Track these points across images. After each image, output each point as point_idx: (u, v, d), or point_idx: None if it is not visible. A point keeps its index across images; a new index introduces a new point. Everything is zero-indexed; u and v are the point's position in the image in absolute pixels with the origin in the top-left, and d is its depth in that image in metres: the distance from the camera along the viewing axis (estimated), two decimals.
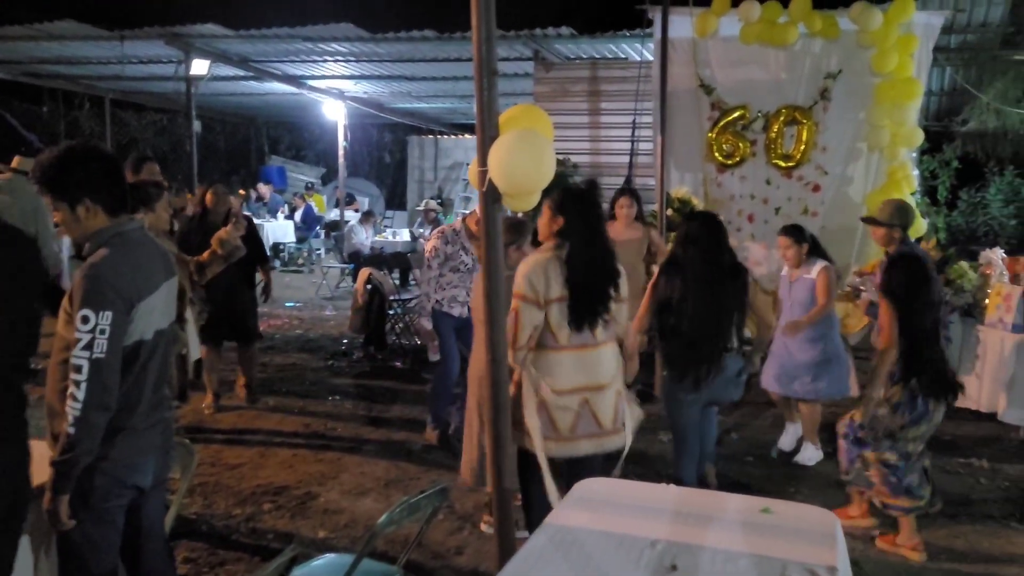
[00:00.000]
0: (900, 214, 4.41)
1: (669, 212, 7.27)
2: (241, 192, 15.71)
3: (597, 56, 10.08)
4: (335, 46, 10.77)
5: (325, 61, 11.90)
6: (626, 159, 9.03)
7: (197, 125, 11.61)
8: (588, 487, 2.69)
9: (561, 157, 9.18)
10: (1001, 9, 8.67)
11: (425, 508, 2.66)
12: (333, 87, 14.39)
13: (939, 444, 5.95)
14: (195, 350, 4.77)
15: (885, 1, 7.57)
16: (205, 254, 4.75)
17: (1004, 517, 4.70)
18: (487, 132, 2.79)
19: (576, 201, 3.34)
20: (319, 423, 6.21)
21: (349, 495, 4.80)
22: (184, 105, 11.55)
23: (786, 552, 2.24)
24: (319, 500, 4.72)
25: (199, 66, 10.88)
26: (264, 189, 17.66)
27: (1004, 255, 6.74)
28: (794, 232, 5.36)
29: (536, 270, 3.24)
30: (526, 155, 2.68)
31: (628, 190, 6.73)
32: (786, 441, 5.71)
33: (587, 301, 3.28)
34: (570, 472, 3.30)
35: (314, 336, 9.52)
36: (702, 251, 4.04)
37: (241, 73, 12.44)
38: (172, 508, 3.07)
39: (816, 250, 5.40)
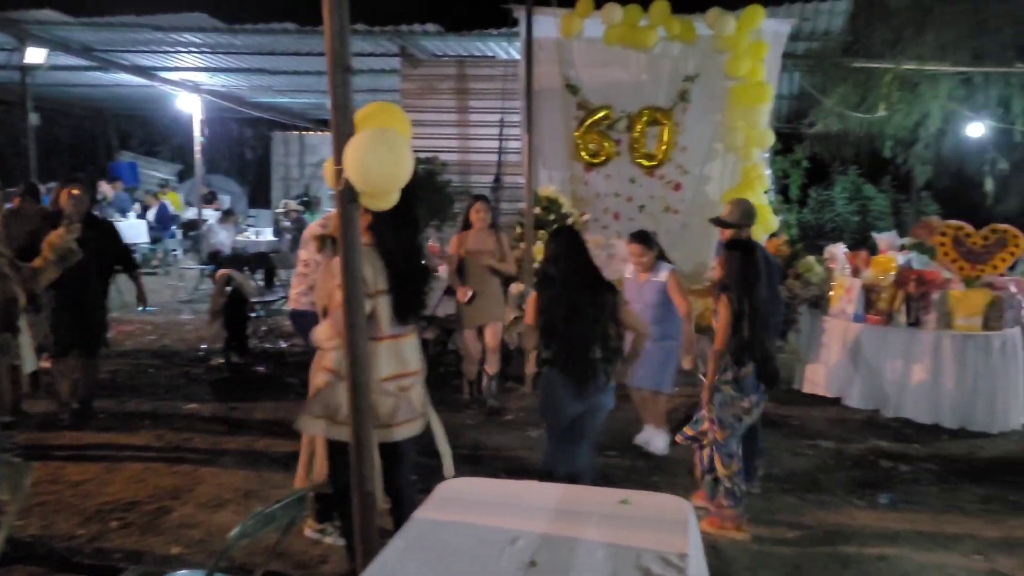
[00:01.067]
0: (746, 215, 4.69)
1: (537, 210, 7.40)
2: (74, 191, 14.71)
3: (465, 54, 10.12)
4: (188, 36, 10.30)
5: (178, 52, 11.36)
6: (495, 157, 9.12)
7: (34, 118, 10.80)
8: (451, 487, 2.71)
9: (430, 155, 9.19)
10: (841, 19, 9.33)
11: (282, 518, 2.59)
12: (187, 79, 13.76)
13: (789, 428, 6.38)
14: (29, 362, 4.45)
15: (738, 8, 7.99)
16: (37, 260, 4.43)
17: (847, 494, 5.06)
18: (342, 130, 2.74)
19: None
20: (173, 434, 5.92)
21: (206, 508, 4.61)
22: (20, 96, 10.75)
23: (641, 541, 2.32)
24: (172, 515, 4.51)
25: (35, 55, 10.12)
26: (107, 187, 16.58)
27: (846, 250, 7.26)
28: (645, 240, 5.57)
29: (364, 263, 3.27)
30: (383, 153, 2.66)
31: (482, 196, 6.77)
32: (642, 438, 5.88)
33: (409, 293, 3.42)
34: (385, 457, 3.42)
35: (170, 342, 9.08)
36: (565, 267, 4.12)
37: (84, 63, 11.69)
38: (2, 531, 2.85)
39: (663, 256, 5.67)
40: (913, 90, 10.96)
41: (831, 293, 6.94)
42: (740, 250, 4.34)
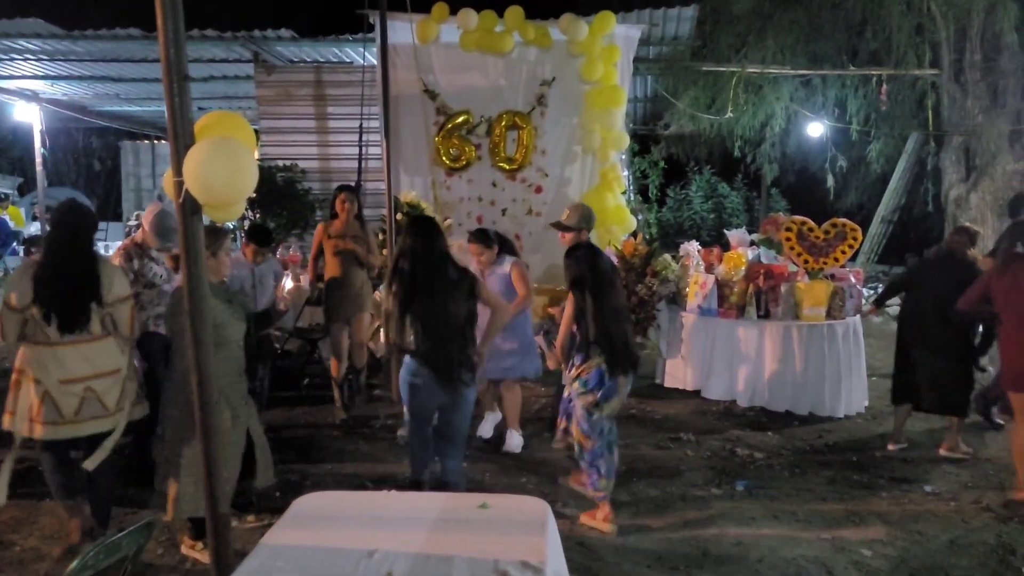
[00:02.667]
0: (584, 218, 4.92)
1: (399, 216, 7.38)
2: None
3: (321, 59, 9.97)
4: (23, 43, 9.64)
5: (12, 59, 10.62)
6: (356, 164, 9.03)
7: None
8: (306, 503, 2.67)
9: (289, 163, 9.00)
10: (689, 25, 9.82)
11: (128, 547, 2.48)
12: (25, 88, 12.86)
13: (651, 422, 6.64)
14: None
15: (590, 14, 8.27)
16: None
17: (706, 484, 5.32)
18: (181, 140, 2.66)
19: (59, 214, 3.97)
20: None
21: (50, 540, 4.34)
22: None
23: (499, 546, 2.37)
24: (14, 549, 4.22)
25: None
26: None
27: (699, 247, 7.64)
28: (482, 238, 5.69)
29: (16, 278, 3.84)
30: (224, 164, 2.60)
31: (347, 187, 6.78)
32: (486, 428, 6.05)
33: (60, 306, 3.80)
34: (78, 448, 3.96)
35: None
36: (420, 255, 4.15)
37: None
38: None
39: (504, 247, 5.80)
40: (758, 92, 11.68)
41: (687, 289, 7.28)
42: (582, 250, 4.49)
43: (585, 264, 4.40)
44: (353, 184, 8.68)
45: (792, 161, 14.79)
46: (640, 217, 11.98)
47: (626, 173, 9.90)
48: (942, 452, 5.92)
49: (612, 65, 8.32)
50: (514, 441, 5.84)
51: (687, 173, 18.26)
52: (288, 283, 4.99)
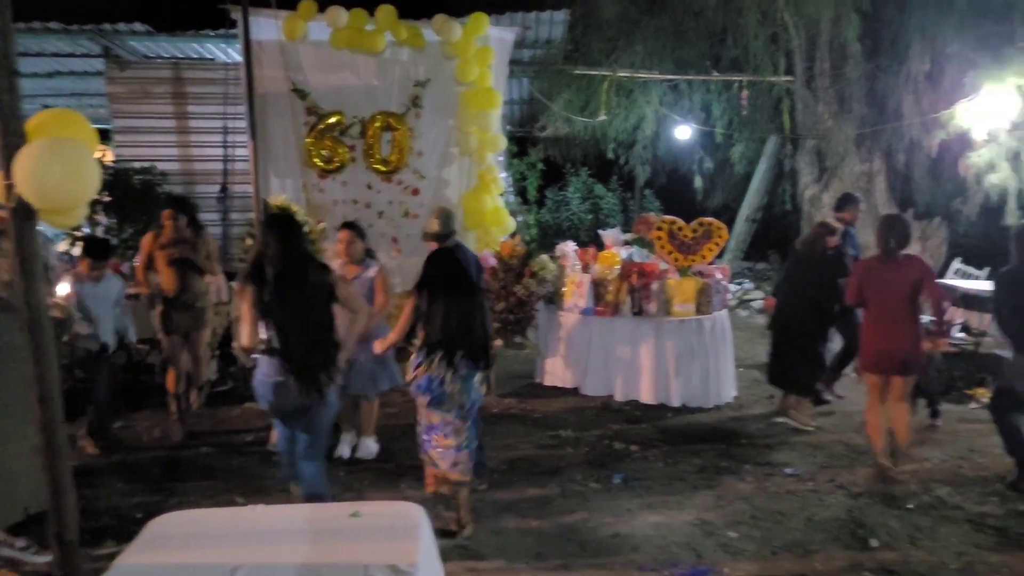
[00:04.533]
0: (448, 222, 5.01)
1: None
2: None
3: (180, 56, 9.52)
4: None
5: None
6: (220, 165, 8.69)
7: None
8: (161, 524, 2.54)
9: (146, 164, 8.55)
10: (561, 29, 9.98)
11: None
12: None
13: (531, 421, 6.71)
14: None
15: (464, 15, 8.26)
16: None
17: (584, 479, 5.42)
18: (11, 140, 2.47)
19: None
20: None
21: None
22: None
23: (370, 554, 2.32)
24: None
25: None
26: None
27: (576, 247, 7.77)
28: (355, 228, 5.63)
29: None
30: (59, 166, 2.43)
31: (171, 201, 6.42)
32: (344, 449, 5.82)
33: None
34: None
35: None
36: (275, 257, 4.03)
37: None
38: None
39: (371, 253, 5.74)
40: (629, 96, 12.01)
41: (564, 289, 7.40)
42: (436, 253, 4.51)
43: (433, 266, 4.39)
44: (219, 189, 8.37)
45: (663, 163, 15.27)
46: (520, 219, 12.09)
47: (504, 175, 9.95)
48: (785, 420, 6.57)
49: (487, 67, 8.34)
50: (369, 448, 5.77)
51: (565, 175, 18.55)
52: (64, 288, 4.74)
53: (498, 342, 7.28)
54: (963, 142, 10.07)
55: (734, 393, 7.45)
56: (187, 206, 6.24)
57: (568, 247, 7.67)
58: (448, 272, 4.35)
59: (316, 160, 8.22)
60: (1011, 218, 9.71)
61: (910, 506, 4.92)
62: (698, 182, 14.22)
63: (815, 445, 6.11)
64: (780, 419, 6.61)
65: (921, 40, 10.41)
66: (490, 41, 8.41)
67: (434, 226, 5.06)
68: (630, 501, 5.02)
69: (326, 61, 8.15)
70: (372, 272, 5.57)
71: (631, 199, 18.19)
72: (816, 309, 6.34)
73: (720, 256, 9.13)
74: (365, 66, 8.25)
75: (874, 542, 4.40)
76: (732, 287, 13.71)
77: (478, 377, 4.37)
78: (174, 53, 9.55)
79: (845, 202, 7.30)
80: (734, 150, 13.47)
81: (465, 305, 4.30)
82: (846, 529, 4.58)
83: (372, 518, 2.59)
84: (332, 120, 8.20)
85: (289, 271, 4.02)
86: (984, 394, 7.22)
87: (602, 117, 11.71)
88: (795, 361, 6.50)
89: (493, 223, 8.15)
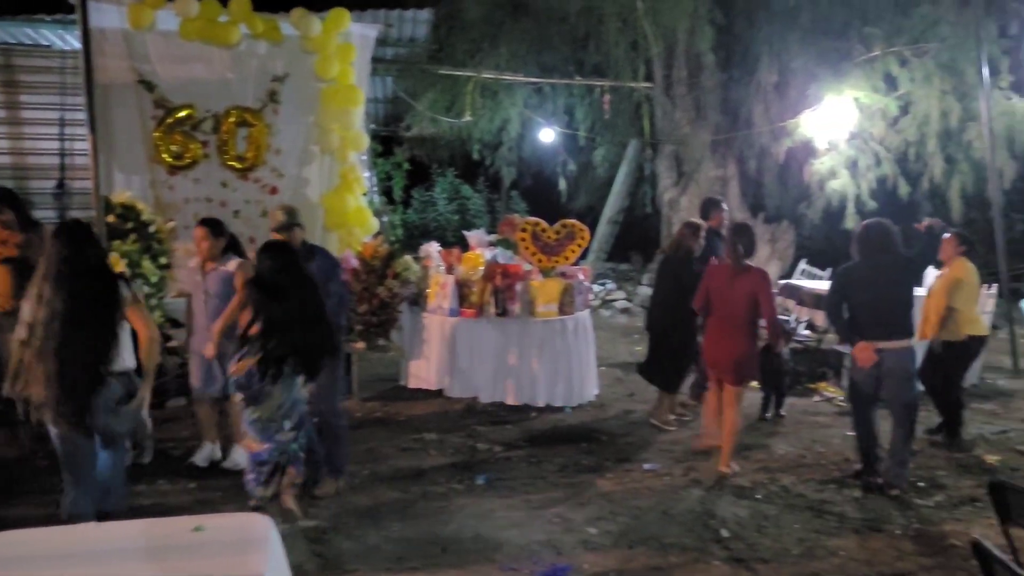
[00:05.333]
0: (292, 215, 5.02)
1: (111, 219, 6.75)
2: None
3: (12, 41, 8.84)
4: None
5: None
6: (56, 160, 8.13)
7: None
8: None
9: None
10: (424, 28, 9.98)
11: None
12: None
13: (395, 424, 6.66)
14: None
15: (323, 10, 8.09)
16: None
17: (447, 481, 5.43)
18: None
19: None
20: None
21: None
22: None
23: (215, 568, 2.24)
24: None
25: None
26: None
27: (440, 248, 7.77)
28: (212, 225, 5.49)
29: None
30: None
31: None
32: (202, 457, 5.60)
33: None
34: None
35: None
36: (57, 263, 3.76)
37: None
38: None
39: (235, 249, 5.61)
40: (494, 97, 12.13)
41: (428, 290, 7.38)
42: (271, 251, 4.41)
43: (268, 263, 4.29)
44: (56, 184, 7.83)
45: (529, 164, 15.54)
46: (385, 219, 11.97)
47: (368, 174, 9.83)
48: (652, 421, 6.72)
49: (348, 64, 8.20)
50: (238, 458, 5.47)
51: (431, 175, 18.56)
52: None
53: (361, 344, 7.18)
54: (807, 150, 10.79)
55: (596, 392, 7.65)
56: (13, 199, 5.75)
57: (432, 248, 7.66)
58: (283, 268, 4.26)
59: (165, 156, 7.83)
60: (850, 222, 10.46)
61: (758, 496, 5.20)
62: (562, 184, 14.54)
63: (673, 441, 6.37)
64: (653, 421, 6.73)
65: (769, 53, 11.06)
66: (352, 37, 8.28)
67: (278, 216, 4.98)
68: (493, 502, 5.07)
69: (176, 52, 7.77)
70: (231, 266, 5.38)
71: (498, 200, 18.41)
72: (681, 309, 6.50)
73: (583, 257, 9.38)
74: (219, 59, 7.93)
75: (724, 532, 4.62)
76: (595, 287, 14.12)
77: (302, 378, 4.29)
78: (5, 39, 8.86)
79: (709, 207, 7.59)
80: (596, 153, 13.87)
81: (295, 303, 4.19)
82: (699, 521, 4.79)
83: (216, 532, 2.49)
84: (183, 114, 7.84)
85: (71, 281, 3.73)
86: (826, 388, 7.75)
87: (467, 118, 11.78)
88: (663, 359, 6.74)
89: (356, 223, 8.03)
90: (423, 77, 11.65)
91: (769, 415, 6.93)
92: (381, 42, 9.16)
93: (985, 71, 8.93)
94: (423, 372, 7.43)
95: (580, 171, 14.95)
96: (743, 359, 5.52)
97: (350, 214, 8.06)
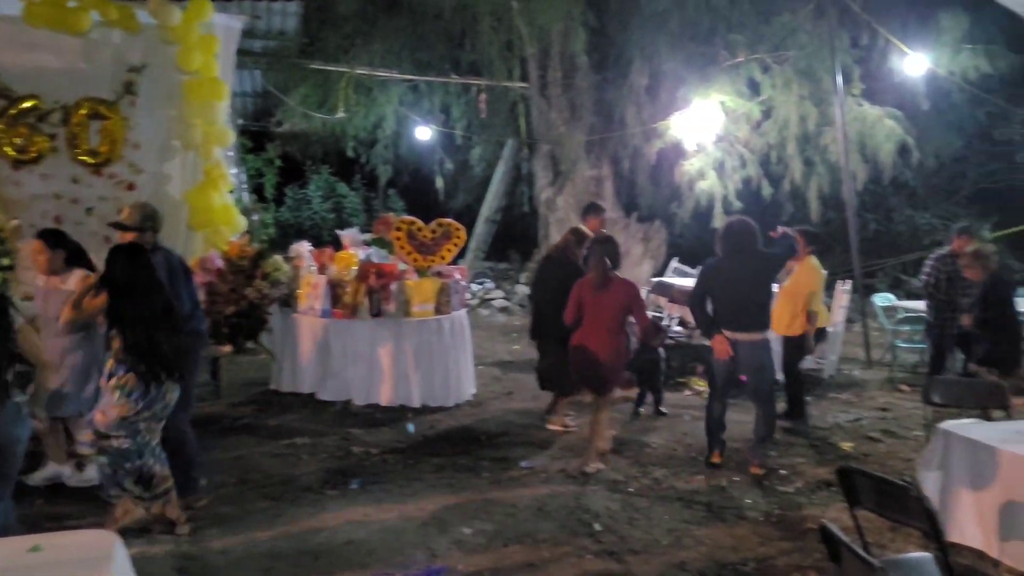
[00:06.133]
0: (147, 218, 4.80)
1: None
2: None
3: None
4: None
5: None
6: None
7: None
8: None
9: None
10: (294, 21, 9.73)
11: None
12: None
13: (266, 430, 6.47)
14: None
15: None
16: None
17: (320, 487, 5.31)
18: None
19: None
20: None
21: None
22: None
23: None
24: None
25: None
26: None
27: (311, 247, 7.59)
28: (49, 236, 5.11)
29: None
30: None
31: None
32: (39, 477, 5.22)
33: None
34: None
35: None
36: None
37: None
38: None
39: (79, 260, 5.18)
40: (368, 94, 11.97)
41: (299, 291, 7.20)
42: (121, 251, 4.27)
43: (117, 264, 4.15)
44: None
45: (406, 162, 15.43)
46: (255, 217, 11.62)
47: (236, 171, 9.49)
48: (548, 426, 6.71)
49: (212, 56, 7.87)
50: (90, 474, 5.14)
51: (305, 172, 18.14)
52: None
53: (228, 348, 6.94)
54: (678, 151, 11.18)
55: (473, 391, 7.67)
56: None
57: (303, 247, 7.48)
58: (133, 270, 4.10)
59: (7, 149, 7.28)
60: (718, 221, 10.90)
61: (630, 490, 5.35)
62: (439, 183, 14.51)
63: (550, 438, 6.46)
64: (550, 427, 6.71)
65: (641, 56, 11.39)
66: (215, 28, 7.95)
67: (133, 218, 4.74)
68: (367, 506, 4.99)
69: (20, 39, 7.24)
70: (71, 284, 4.99)
71: (375, 198, 18.18)
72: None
73: (461, 256, 9.40)
74: (69, 47, 7.44)
75: (597, 526, 4.72)
76: (473, 287, 14.18)
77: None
78: None
79: (588, 211, 7.76)
80: (473, 152, 13.93)
81: (152, 308, 4.05)
82: (573, 516, 4.88)
83: (56, 551, 2.33)
84: (27, 105, 7.31)
85: None
86: (696, 382, 8.05)
87: (341, 114, 11.57)
88: (557, 364, 6.72)
89: (222, 222, 7.72)
90: (294, 71, 11.36)
91: (643, 410, 7.12)
92: (248, 34, 8.87)
93: (839, 79, 9.50)
94: (294, 375, 7.23)
95: (458, 170, 14.98)
96: (612, 369, 5.69)
97: (215, 212, 7.73)
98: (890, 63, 10.31)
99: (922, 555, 3.27)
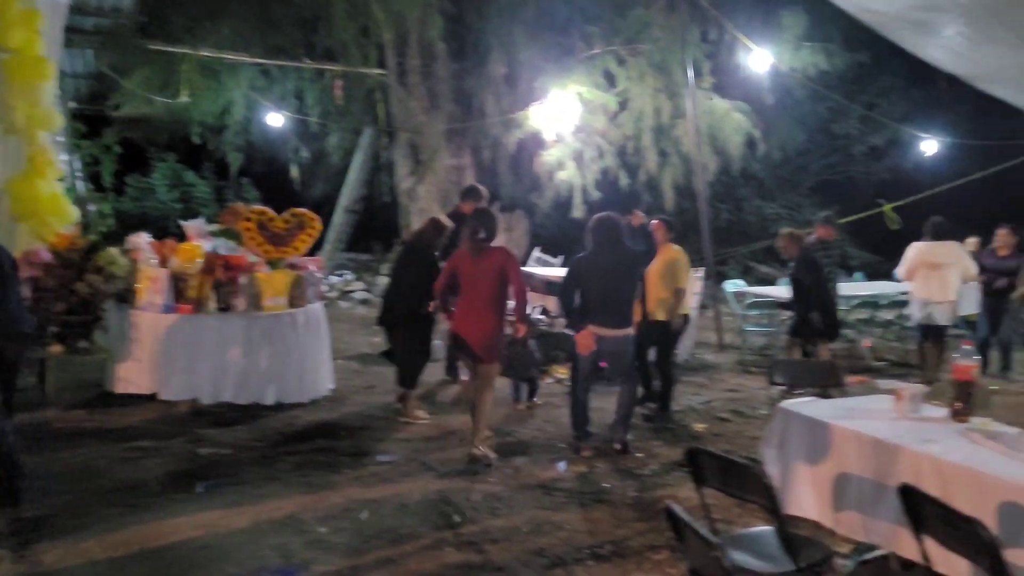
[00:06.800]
0: None
1: None
2: None
3: None
4: None
5: None
6: None
7: None
8: None
9: None
10: None
11: None
12: None
13: (106, 434, 6.09)
14: None
15: None
16: None
17: (167, 492, 5.03)
18: None
19: None
20: None
21: None
22: None
23: None
24: None
25: None
26: None
27: (150, 239, 7.20)
28: None
29: None
30: None
31: None
32: None
33: None
34: None
35: None
36: None
37: None
38: None
39: None
40: (216, 78, 11.45)
41: (138, 285, 6.82)
42: None
43: None
44: None
45: (260, 150, 14.90)
46: (92, 207, 10.92)
47: (67, 158, 8.87)
48: (401, 419, 6.66)
49: (34, 32, 7.29)
50: None
51: (149, 160, 17.19)
52: None
53: (58, 348, 6.48)
54: (537, 141, 11.35)
55: (331, 386, 7.52)
56: None
57: (141, 239, 7.07)
58: None
59: None
60: (578, 211, 11.18)
61: (492, 479, 5.39)
62: (294, 171, 14.12)
63: (411, 430, 6.42)
64: (403, 419, 6.68)
65: (499, 46, 11.49)
66: (38, 3, 7.39)
67: None
68: (220, 509, 4.79)
69: None
70: None
71: (227, 188, 17.45)
72: (421, 302, 6.57)
73: (318, 247, 9.17)
74: None
75: (457, 518, 4.73)
76: (333, 279, 13.90)
77: None
78: None
79: (467, 194, 7.89)
80: (329, 140, 13.61)
81: None
82: (434, 509, 4.86)
83: None
84: None
85: None
86: (558, 370, 8.20)
87: (185, 98, 11.01)
88: (404, 353, 6.73)
89: (49, 212, 7.18)
90: (132, 52, 10.69)
91: (522, 404, 7.16)
92: (78, 10, 8.29)
93: (690, 72, 9.90)
94: (134, 375, 6.83)
95: (315, 158, 14.60)
96: (493, 337, 5.71)
97: (41, 202, 7.19)
98: (737, 58, 10.83)
99: (764, 529, 3.45)
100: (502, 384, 7.18)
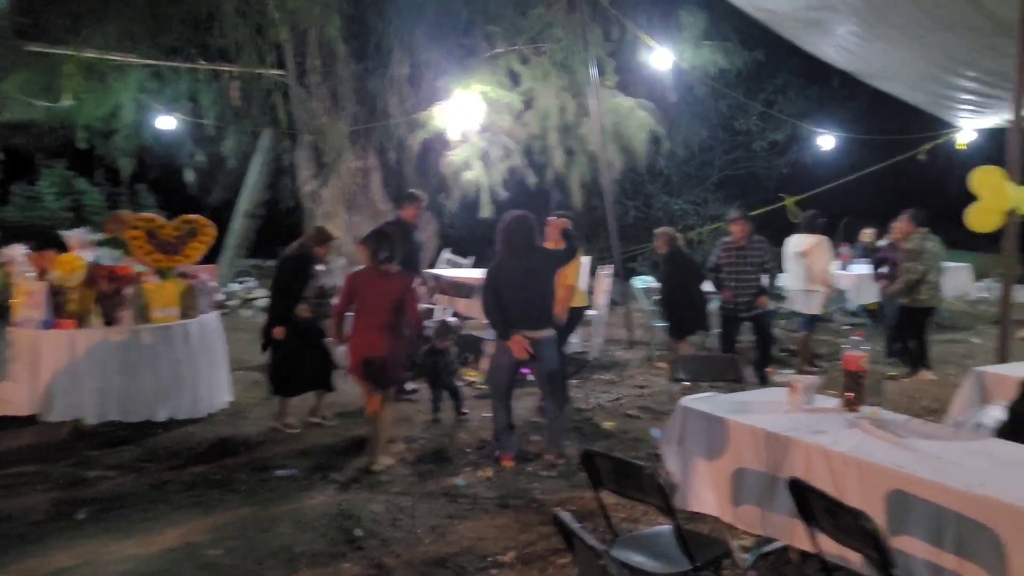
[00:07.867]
0: None
1: None
2: None
3: None
4: None
5: None
6: None
7: None
8: None
9: None
10: None
11: None
12: None
13: None
14: None
15: None
16: None
17: (47, 520, 4.75)
18: None
19: None
20: None
21: None
22: None
23: None
24: None
25: None
26: None
27: (29, 251, 6.81)
28: None
29: None
30: None
31: None
32: None
33: None
34: None
35: None
36: None
37: None
38: None
39: None
40: (102, 80, 10.93)
41: (13, 300, 6.43)
42: None
43: None
44: None
45: (155, 155, 14.35)
46: None
47: None
48: (309, 419, 6.66)
49: None
50: None
51: (36, 167, 16.38)
52: None
53: None
54: (442, 141, 11.22)
55: (229, 399, 7.26)
56: None
57: (16, 251, 6.68)
58: None
59: None
60: (485, 211, 11.09)
61: (395, 490, 5.26)
62: (190, 176, 13.64)
63: (311, 443, 6.24)
64: (310, 419, 6.69)
65: (400, 46, 11.32)
66: None
67: None
68: (105, 536, 4.54)
69: None
70: None
71: (122, 195, 16.75)
72: (289, 308, 6.41)
73: (217, 254, 8.83)
74: None
75: (358, 531, 4.59)
76: (235, 286, 13.48)
77: None
78: None
79: (403, 199, 7.76)
80: (226, 143, 13.17)
81: None
82: (334, 524, 4.71)
83: None
84: None
85: None
86: (467, 373, 8.11)
87: (67, 102, 10.47)
88: (272, 360, 6.56)
89: None
90: (10, 54, 10.10)
91: (440, 416, 6.85)
92: None
93: (593, 71, 9.93)
94: (9, 395, 6.43)
95: (213, 162, 14.10)
96: (389, 360, 5.60)
97: None
98: (640, 57, 10.93)
99: (662, 528, 3.44)
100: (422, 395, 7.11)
